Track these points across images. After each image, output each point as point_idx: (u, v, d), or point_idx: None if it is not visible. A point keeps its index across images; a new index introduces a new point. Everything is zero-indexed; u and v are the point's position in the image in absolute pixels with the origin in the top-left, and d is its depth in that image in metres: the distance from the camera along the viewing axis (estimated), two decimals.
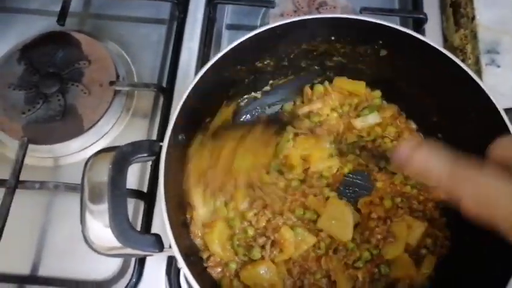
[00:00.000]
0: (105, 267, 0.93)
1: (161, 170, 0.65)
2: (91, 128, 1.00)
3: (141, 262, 0.90)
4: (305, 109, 0.93)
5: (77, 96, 1.02)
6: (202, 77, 0.73)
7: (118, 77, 1.06)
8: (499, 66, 1.03)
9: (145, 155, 0.68)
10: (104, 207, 0.62)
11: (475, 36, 1.07)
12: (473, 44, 1.08)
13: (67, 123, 0.99)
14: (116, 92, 1.04)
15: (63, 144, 1.00)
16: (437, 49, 0.78)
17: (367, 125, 0.91)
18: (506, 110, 0.73)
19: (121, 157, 0.64)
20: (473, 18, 1.09)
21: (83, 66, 1.05)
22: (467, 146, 0.77)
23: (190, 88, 0.70)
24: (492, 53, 1.04)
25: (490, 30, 1.07)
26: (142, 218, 0.93)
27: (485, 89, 0.73)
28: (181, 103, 0.69)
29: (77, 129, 0.99)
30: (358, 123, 0.91)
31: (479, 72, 1.03)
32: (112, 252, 0.65)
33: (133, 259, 0.91)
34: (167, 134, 0.67)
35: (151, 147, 0.68)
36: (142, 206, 0.94)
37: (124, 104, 1.07)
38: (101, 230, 0.62)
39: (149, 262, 0.91)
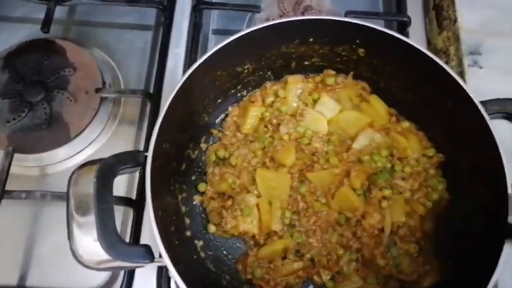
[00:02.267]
0: (94, 277, 0.92)
1: (148, 183, 0.65)
2: (77, 135, 1.00)
3: (130, 272, 0.90)
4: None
5: (63, 104, 1.01)
6: (183, 84, 0.73)
7: (104, 84, 1.06)
8: (481, 68, 1.04)
9: (130, 166, 0.68)
10: (91, 220, 0.62)
11: (457, 38, 1.09)
12: (456, 46, 1.09)
13: (53, 132, 0.99)
14: (102, 99, 1.04)
15: (49, 153, 0.99)
16: (421, 50, 0.79)
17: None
18: (482, 102, 0.75)
19: (105, 170, 0.64)
20: (455, 20, 1.10)
21: (68, 73, 1.05)
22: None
23: (171, 97, 0.71)
24: (475, 55, 1.06)
25: (472, 32, 1.08)
26: (132, 225, 0.93)
27: (463, 86, 0.76)
28: (163, 113, 0.69)
29: (64, 137, 0.99)
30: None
31: (462, 74, 1.05)
32: (102, 266, 0.65)
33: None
34: (151, 146, 0.67)
35: (135, 158, 0.68)
36: (131, 213, 0.94)
37: (111, 111, 1.06)
38: (89, 244, 0.62)
39: (139, 271, 0.91)
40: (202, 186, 0.91)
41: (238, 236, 0.87)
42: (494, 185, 0.71)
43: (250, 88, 0.97)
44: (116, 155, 0.66)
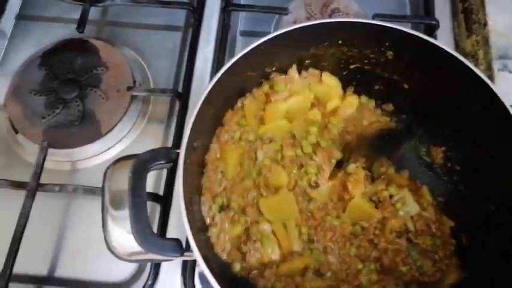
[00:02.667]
0: (121, 269, 0.95)
1: (180, 180, 0.67)
2: (108, 132, 1.03)
3: (157, 264, 0.92)
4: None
5: (95, 102, 1.05)
6: (214, 84, 0.75)
7: (134, 82, 1.09)
8: (511, 72, 1.03)
9: (163, 162, 0.70)
10: (125, 214, 0.64)
11: (486, 42, 1.08)
12: (485, 49, 1.08)
13: (85, 128, 1.02)
14: (132, 98, 1.07)
15: (81, 149, 1.03)
16: (449, 53, 0.79)
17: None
18: None
19: (139, 165, 0.67)
20: (485, 24, 1.09)
21: (101, 72, 1.08)
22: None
23: (203, 96, 0.73)
24: (504, 59, 1.05)
25: (502, 36, 1.07)
26: (158, 220, 0.95)
27: (494, 89, 0.74)
28: (195, 112, 0.71)
29: (95, 134, 1.02)
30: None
31: (491, 78, 1.04)
32: (134, 258, 0.67)
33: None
34: (184, 143, 0.69)
35: (168, 155, 0.70)
36: (158, 208, 0.96)
37: (140, 109, 1.09)
38: (123, 236, 0.65)
39: (165, 264, 0.93)
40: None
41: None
42: None
43: None
44: (150, 151, 0.69)
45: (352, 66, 0.94)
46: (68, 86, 1.05)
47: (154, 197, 0.95)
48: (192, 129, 0.71)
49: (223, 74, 0.76)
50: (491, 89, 0.75)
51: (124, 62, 1.10)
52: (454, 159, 0.90)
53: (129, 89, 1.04)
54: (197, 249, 0.64)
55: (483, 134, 0.80)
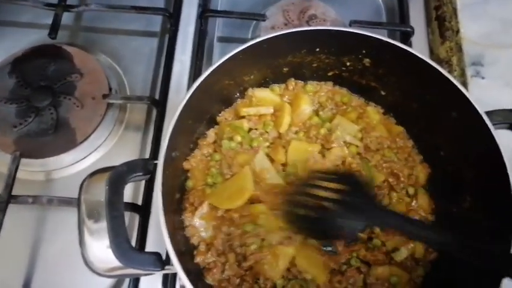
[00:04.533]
0: (99, 282, 0.92)
1: (159, 193, 0.66)
2: (83, 141, 1.00)
3: (136, 278, 0.90)
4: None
5: (70, 110, 1.02)
6: (192, 95, 0.74)
7: (110, 89, 1.07)
8: (483, 78, 1.06)
9: (140, 174, 0.68)
10: (103, 227, 0.63)
11: (460, 49, 1.11)
12: (458, 56, 1.11)
13: (60, 137, 1.00)
14: (109, 105, 1.05)
15: (56, 158, 1.00)
16: (426, 61, 0.81)
17: None
18: (487, 113, 0.76)
19: (116, 177, 0.65)
20: (458, 31, 1.12)
21: (75, 79, 1.05)
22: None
23: (180, 108, 0.72)
24: (477, 65, 1.08)
25: (475, 43, 1.10)
26: (137, 231, 0.93)
27: (468, 96, 0.77)
28: (172, 123, 0.70)
29: (70, 143, 0.99)
30: None
31: (464, 84, 1.06)
32: (113, 273, 0.66)
33: None
34: (161, 156, 0.68)
35: (145, 167, 0.69)
36: (136, 218, 0.95)
37: (117, 117, 1.07)
38: (101, 251, 0.63)
39: (144, 278, 0.91)
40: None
41: None
42: (498, 193, 0.72)
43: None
44: (126, 163, 0.67)
45: (330, 74, 0.95)
46: (41, 93, 1.02)
47: (133, 207, 0.93)
48: (169, 140, 0.70)
49: (200, 84, 0.76)
50: (465, 96, 0.76)
51: (100, 68, 1.08)
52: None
53: (105, 96, 1.02)
54: (178, 262, 0.63)
55: (457, 135, 0.83)
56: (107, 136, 1.05)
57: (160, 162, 0.68)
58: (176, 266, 0.63)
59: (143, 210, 0.94)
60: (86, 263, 0.63)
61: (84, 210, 0.63)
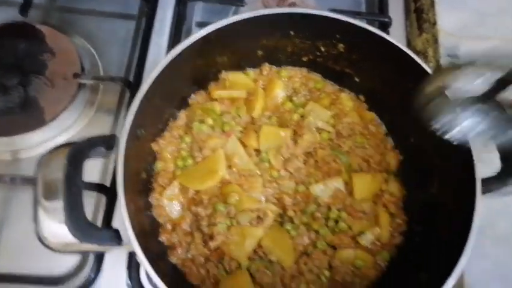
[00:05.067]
0: (63, 263, 0.91)
1: (120, 165, 0.65)
2: (52, 120, 0.98)
3: (99, 258, 0.89)
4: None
5: (39, 89, 1.00)
6: (162, 70, 0.72)
7: (83, 70, 1.04)
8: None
9: (102, 149, 0.67)
10: (59, 204, 0.61)
11: (436, 40, 1.11)
12: (434, 48, 1.11)
13: (28, 116, 0.97)
14: (80, 86, 1.02)
15: (23, 137, 0.97)
16: (399, 47, 0.81)
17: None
18: None
19: (76, 152, 0.64)
20: (435, 23, 1.12)
21: (46, 58, 1.03)
22: None
23: (150, 81, 0.70)
24: (452, 57, 1.08)
25: (450, 35, 1.10)
26: (104, 212, 0.91)
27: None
28: (139, 97, 0.69)
29: (38, 122, 0.97)
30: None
31: None
32: (69, 249, 0.64)
33: (91, 255, 0.90)
34: (126, 128, 0.67)
35: (107, 142, 0.67)
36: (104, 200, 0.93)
37: (88, 98, 1.05)
38: (56, 226, 0.61)
39: (108, 257, 0.90)
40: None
41: None
42: (464, 178, 0.72)
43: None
44: (88, 139, 0.66)
45: (304, 59, 0.95)
46: (9, 72, 0.99)
47: (100, 187, 0.91)
48: (134, 116, 0.68)
49: (170, 62, 0.75)
50: None
51: (73, 49, 1.05)
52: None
53: (76, 76, 1.00)
54: (135, 239, 0.62)
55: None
56: (77, 117, 1.03)
57: (123, 137, 0.66)
58: (134, 243, 0.61)
59: (111, 191, 0.92)
60: (40, 239, 0.61)
61: (41, 185, 0.61)
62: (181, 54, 0.78)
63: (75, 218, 0.60)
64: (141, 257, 0.63)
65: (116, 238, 0.63)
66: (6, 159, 0.98)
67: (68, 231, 0.60)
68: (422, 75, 0.78)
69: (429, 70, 0.79)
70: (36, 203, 0.61)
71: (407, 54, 0.81)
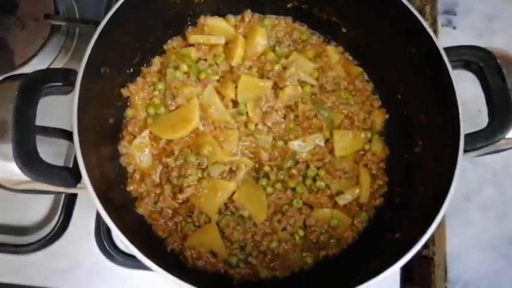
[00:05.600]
0: (31, 213, 0.88)
1: (75, 101, 0.60)
2: (23, 64, 0.93)
3: (69, 206, 0.86)
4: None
5: (9, 30, 0.94)
6: (128, 2, 0.67)
7: (57, 14, 0.98)
8: (455, 28, 1.01)
9: (59, 84, 0.62)
10: (8, 138, 0.57)
11: None
12: (431, 4, 1.05)
13: None
14: (54, 29, 0.97)
15: None
16: None
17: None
18: (446, 49, 0.72)
19: (29, 85, 0.59)
20: None
21: None
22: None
23: (110, 13, 0.65)
24: (449, 14, 1.02)
25: None
26: (73, 163, 0.87)
27: (427, 28, 0.72)
28: (98, 30, 0.63)
29: (8, 65, 0.92)
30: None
31: (435, 33, 1.00)
32: (20, 187, 0.60)
33: (60, 205, 0.87)
34: (84, 61, 0.62)
35: (66, 76, 0.62)
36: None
37: (63, 43, 0.99)
38: (6, 161, 0.57)
39: (78, 207, 0.87)
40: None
41: None
42: (448, 136, 0.68)
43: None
44: (43, 70, 0.61)
45: (289, 5, 0.88)
46: None
47: (66, 134, 0.86)
48: (93, 49, 0.63)
49: None
50: (426, 30, 0.71)
51: None
52: None
53: (47, 16, 0.94)
54: (89, 180, 0.58)
55: (413, 74, 0.79)
56: (50, 63, 0.97)
57: (81, 70, 0.61)
58: (87, 183, 0.57)
59: None
60: None
61: None
62: None
63: (25, 153, 0.56)
64: (95, 201, 0.59)
65: (71, 178, 0.59)
66: None
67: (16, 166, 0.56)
68: (417, 29, 0.73)
69: (425, 24, 0.73)
70: None
71: (402, 3, 0.74)
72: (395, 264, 0.60)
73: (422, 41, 0.72)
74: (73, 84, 0.63)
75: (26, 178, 0.57)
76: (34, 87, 0.60)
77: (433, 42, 0.70)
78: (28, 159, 0.56)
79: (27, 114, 0.58)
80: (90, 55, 0.62)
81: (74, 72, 0.63)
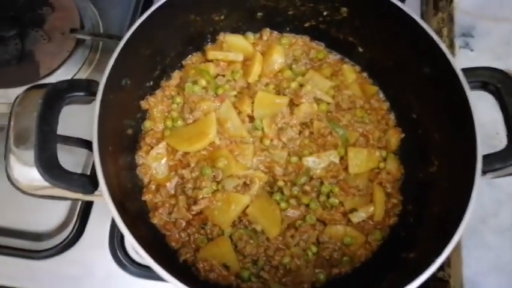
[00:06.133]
0: (46, 219, 0.89)
1: (96, 111, 0.62)
2: (47, 75, 0.96)
3: (85, 213, 0.87)
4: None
5: (36, 42, 0.98)
6: (151, 17, 0.69)
7: (83, 28, 1.02)
8: (472, 50, 1.00)
9: (82, 94, 0.64)
10: (31, 143, 0.59)
11: (451, 19, 1.05)
12: (449, 26, 1.05)
13: (23, 69, 0.96)
14: (78, 43, 1.00)
15: (18, 90, 0.95)
16: (406, 13, 0.75)
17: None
18: (464, 70, 0.72)
19: (53, 93, 0.61)
20: (452, 1, 1.06)
21: (46, 12, 1.01)
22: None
23: (134, 27, 0.67)
24: (467, 37, 1.02)
25: (467, 14, 1.04)
26: (91, 171, 0.89)
27: (443, 49, 0.72)
28: (122, 42, 0.66)
29: (33, 76, 0.95)
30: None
31: (452, 55, 1.01)
32: (40, 193, 0.62)
33: (76, 213, 0.88)
34: (106, 73, 0.64)
35: (88, 86, 0.64)
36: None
37: (87, 56, 1.03)
38: (26, 166, 0.59)
39: (93, 215, 0.88)
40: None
41: None
42: (464, 156, 0.67)
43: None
44: (67, 81, 0.64)
45: (306, 25, 0.90)
46: (8, 23, 0.97)
47: (84, 143, 0.88)
48: (116, 62, 0.65)
49: (158, 11, 0.71)
50: (442, 50, 0.72)
51: (73, 5, 1.03)
52: None
53: (73, 31, 0.98)
54: (105, 186, 0.59)
55: (429, 94, 0.79)
56: (74, 74, 1.00)
57: (103, 81, 0.63)
58: (104, 190, 0.59)
59: None
60: (10, 179, 0.59)
61: (13, 123, 0.59)
62: (171, 4, 0.73)
63: (45, 159, 0.58)
64: (112, 209, 0.60)
65: (89, 185, 0.61)
66: (2, 112, 0.97)
67: (37, 171, 0.57)
68: (434, 50, 0.73)
69: (442, 46, 0.74)
70: (8, 139, 0.59)
71: (419, 25, 0.75)
72: (409, 286, 0.59)
73: (439, 62, 0.73)
74: (94, 95, 0.65)
75: (46, 184, 0.59)
76: (58, 96, 0.62)
77: (450, 63, 0.70)
78: (48, 165, 0.58)
79: (50, 121, 0.60)
80: (113, 66, 0.64)
81: (96, 84, 0.65)
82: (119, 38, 0.97)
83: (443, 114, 0.75)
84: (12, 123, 0.60)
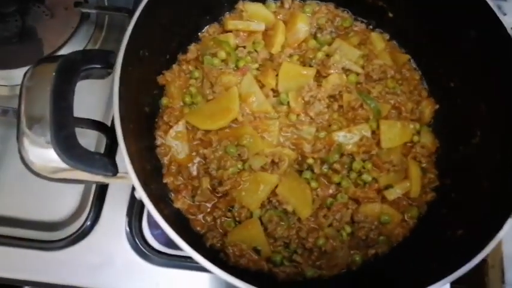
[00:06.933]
0: (59, 207, 0.84)
1: (116, 78, 0.56)
2: (52, 54, 0.89)
3: (99, 201, 0.81)
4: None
5: (38, 19, 0.91)
6: None
7: (87, 1, 0.95)
8: (505, 14, 0.94)
9: (98, 66, 0.58)
10: (45, 121, 0.53)
11: None
12: None
13: (25, 47, 0.89)
14: (83, 19, 0.93)
15: (20, 71, 0.89)
16: None
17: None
18: None
19: (67, 65, 0.55)
20: None
21: None
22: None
23: None
24: (499, 0, 0.96)
25: None
26: (104, 152, 0.83)
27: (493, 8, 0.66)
28: (138, 11, 0.59)
29: (36, 55, 0.89)
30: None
31: None
32: (57, 176, 0.56)
33: (90, 200, 0.83)
34: (124, 41, 0.58)
35: (105, 58, 0.58)
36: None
37: (92, 33, 0.96)
38: (41, 147, 0.53)
39: (108, 203, 0.82)
40: None
41: None
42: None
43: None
44: (82, 51, 0.59)
45: None
46: None
47: (101, 126, 0.82)
48: (136, 30, 0.59)
49: None
50: (490, 9, 0.65)
51: None
52: None
53: (77, 4, 0.91)
54: (132, 167, 0.53)
55: (474, 60, 0.73)
56: None
57: (122, 50, 0.57)
58: (130, 172, 0.53)
59: (112, 132, 0.83)
60: (25, 162, 0.53)
61: (25, 99, 0.53)
62: None
63: (63, 138, 0.52)
64: (140, 190, 0.54)
65: (111, 166, 0.55)
66: (4, 95, 0.91)
67: (54, 152, 0.51)
68: (479, 9, 0.67)
69: (491, 4, 0.67)
70: (20, 117, 0.53)
71: None
72: (467, 264, 0.54)
73: (484, 22, 0.66)
74: (111, 67, 0.59)
75: (63, 165, 0.53)
76: (73, 68, 0.56)
77: (501, 23, 0.64)
78: (67, 145, 0.52)
79: (66, 96, 0.54)
80: (131, 35, 0.58)
81: (114, 55, 0.58)
82: (128, 11, 0.92)
83: (489, 80, 0.69)
84: (23, 100, 0.53)
